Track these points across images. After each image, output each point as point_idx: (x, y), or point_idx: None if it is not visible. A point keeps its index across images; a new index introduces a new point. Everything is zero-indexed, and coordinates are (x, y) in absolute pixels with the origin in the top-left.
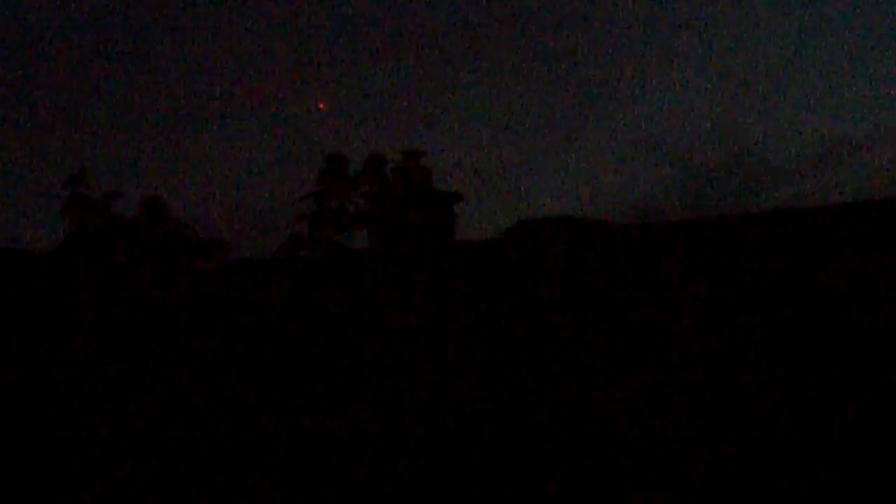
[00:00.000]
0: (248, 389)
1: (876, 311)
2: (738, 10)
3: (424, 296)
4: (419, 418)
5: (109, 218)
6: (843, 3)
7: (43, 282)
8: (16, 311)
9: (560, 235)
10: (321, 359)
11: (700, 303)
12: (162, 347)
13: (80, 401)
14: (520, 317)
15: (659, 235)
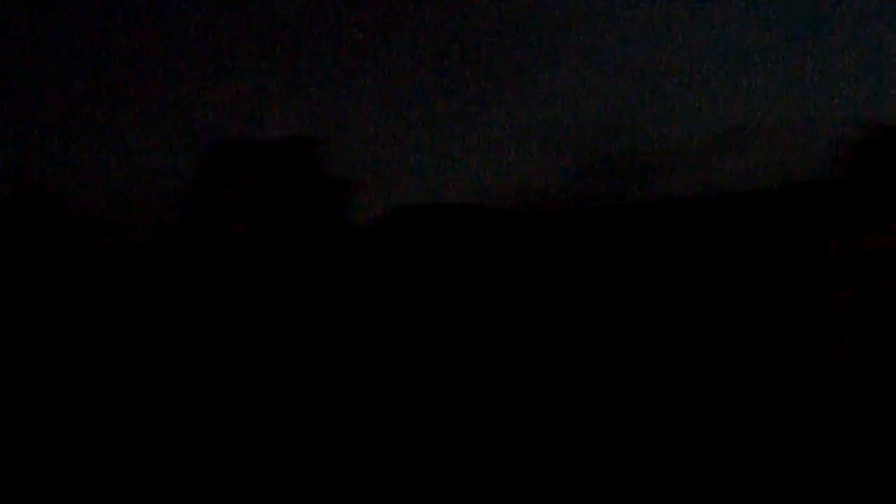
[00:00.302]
0: (132, 376)
1: (761, 298)
2: (626, 2)
3: (307, 282)
4: (302, 411)
5: None
6: (728, 2)
7: None
8: None
9: (434, 222)
10: (206, 348)
11: (582, 291)
12: (44, 332)
13: None
14: (398, 305)
15: (544, 223)
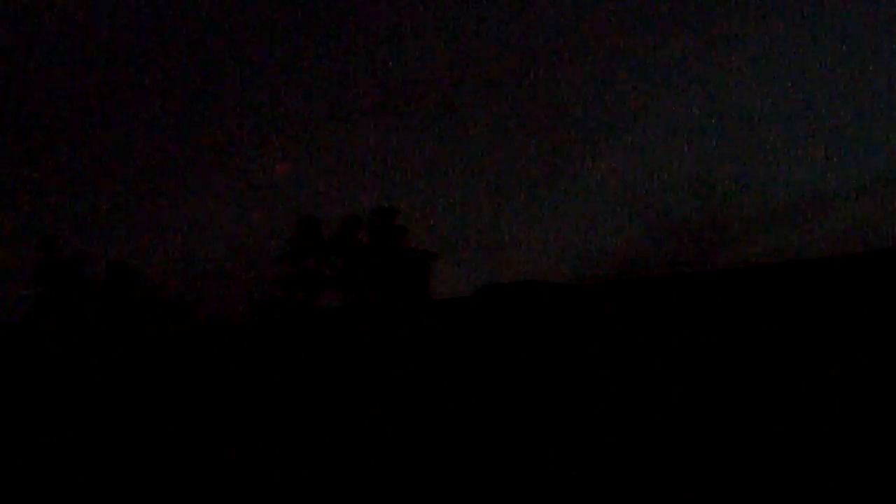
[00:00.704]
0: (228, 452)
1: (851, 365)
2: (707, 61)
3: (400, 353)
4: (401, 477)
5: (79, 282)
6: (811, 56)
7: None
8: None
9: (526, 300)
10: (299, 417)
11: (675, 362)
12: (135, 410)
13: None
14: (494, 377)
15: (628, 293)
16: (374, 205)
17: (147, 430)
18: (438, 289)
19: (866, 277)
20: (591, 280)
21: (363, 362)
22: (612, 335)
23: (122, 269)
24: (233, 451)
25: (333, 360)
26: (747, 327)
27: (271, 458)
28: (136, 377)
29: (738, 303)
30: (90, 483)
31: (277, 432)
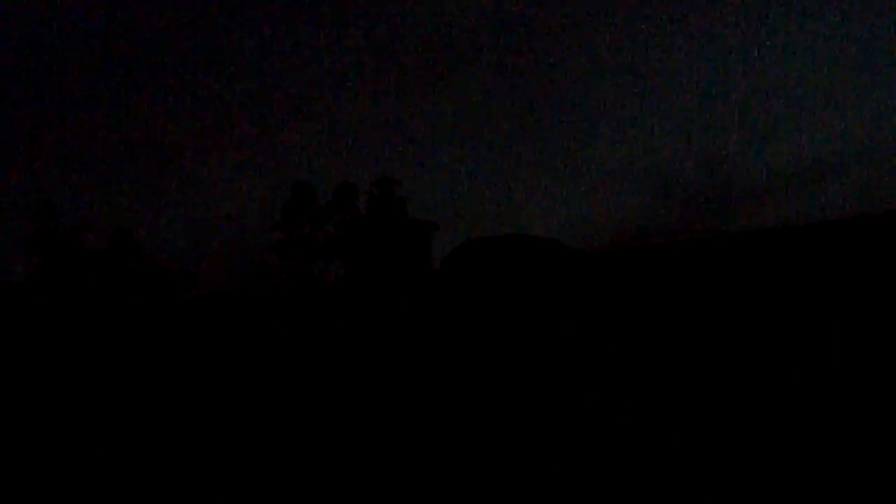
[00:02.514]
0: (225, 421)
1: (857, 326)
2: (716, 36)
3: (398, 324)
4: (398, 450)
5: (77, 252)
6: (816, 32)
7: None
8: None
9: (506, 254)
10: (295, 389)
11: (661, 326)
12: (133, 381)
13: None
14: (487, 340)
15: (623, 260)
16: (374, 175)
17: (145, 400)
18: (440, 260)
19: (872, 239)
20: (599, 248)
21: (365, 333)
22: (610, 299)
23: (124, 238)
24: (232, 422)
25: (334, 330)
26: (762, 291)
27: (268, 430)
28: (134, 346)
29: (751, 266)
30: (83, 447)
31: (277, 405)
